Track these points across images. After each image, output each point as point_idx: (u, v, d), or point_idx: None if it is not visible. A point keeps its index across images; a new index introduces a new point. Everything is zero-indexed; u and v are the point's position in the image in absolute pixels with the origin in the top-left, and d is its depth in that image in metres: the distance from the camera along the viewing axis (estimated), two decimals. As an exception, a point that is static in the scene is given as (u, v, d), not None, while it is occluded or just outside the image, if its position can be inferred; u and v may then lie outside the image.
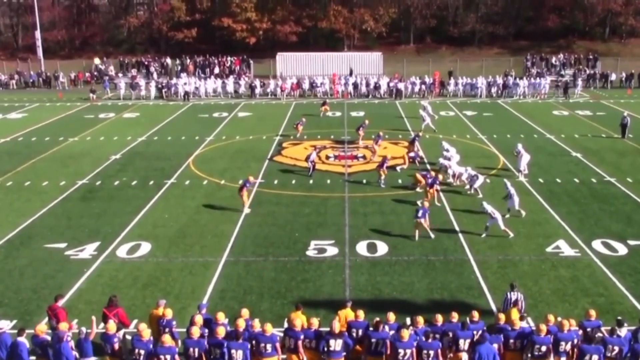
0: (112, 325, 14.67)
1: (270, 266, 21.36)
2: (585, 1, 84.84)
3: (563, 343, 14.36)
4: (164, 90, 60.26)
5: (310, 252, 22.44)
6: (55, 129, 44.84)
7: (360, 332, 14.83)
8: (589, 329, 14.98)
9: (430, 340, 14.11)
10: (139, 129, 44.31)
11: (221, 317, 14.91)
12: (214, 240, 23.63)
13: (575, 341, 14.43)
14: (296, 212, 26.69)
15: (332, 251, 22.49)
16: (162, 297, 17.62)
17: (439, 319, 14.94)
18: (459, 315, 15.33)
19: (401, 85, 59.00)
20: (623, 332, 14.66)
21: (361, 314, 15.15)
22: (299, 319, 14.83)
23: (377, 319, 14.64)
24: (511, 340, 14.50)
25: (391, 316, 15.00)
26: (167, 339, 14.01)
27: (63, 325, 14.58)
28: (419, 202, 24.37)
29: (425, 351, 14.04)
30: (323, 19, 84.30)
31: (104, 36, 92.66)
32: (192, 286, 19.93)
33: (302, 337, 14.52)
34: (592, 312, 15.36)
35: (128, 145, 39.14)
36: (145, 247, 23.01)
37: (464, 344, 14.48)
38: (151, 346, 14.09)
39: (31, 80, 69.68)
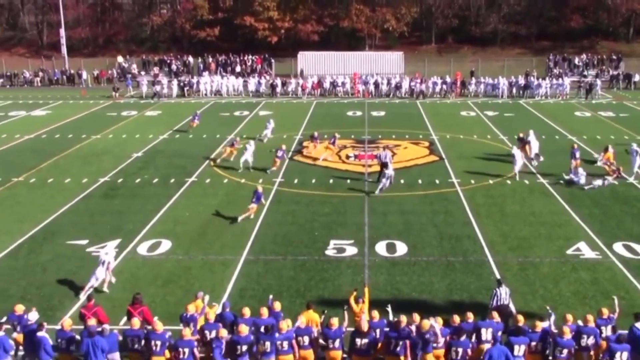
0: (136, 322, 14.90)
1: (289, 265, 21.44)
2: (609, 1, 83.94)
3: (585, 337, 14.33)
4: (185, 89, 60.64)
5: (330, 252, 22.49)
6: (78, 126, 45.26)
7: (379, 331, 14.91)
8: (602, 327, 15.11)
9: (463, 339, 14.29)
10: (160, 126, 44.62)
11: (247, 312, 15.25)
12: (234, 239, 23.74)
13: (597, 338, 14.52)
14: (316, 211, 26.74)
15: (351, 251, 22.53)
16: (184, 292, 17.77)
17: (456, 319, 14.96)
18: (475, 316, 15.37)
19: (422, 85, 58.90)
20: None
21: (376, 314, 15.29)
22: (304, 317, 15.15)
23: (397, 318, 14.70)
24: (533, 343, 14.47)
25: (416, 317, 15.00)
26: (187, 332, 14.27)
27: (92, 321, 14.85)
28: (259, 186, 26.55)
29: (454, 349, 14.20)
30: (345, 18, 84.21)
31: (127, 34, 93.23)
32: (211, 284, 20.05)
33: (314, 332, 14.76)
34: (605, 310, 15.45)
35: (150, 143, 39.42)
36: (166, 245, 23.19)
37: (486, 333, 14.51)
38: (167, 336, 14.43)
39: (55, 78, 70.39)
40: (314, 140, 36.73)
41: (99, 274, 19.49)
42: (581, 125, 44.78)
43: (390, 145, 37.72)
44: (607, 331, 15.03)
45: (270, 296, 16.82)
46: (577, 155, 31.45)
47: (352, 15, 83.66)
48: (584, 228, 24.64)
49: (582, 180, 29.68)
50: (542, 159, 33.71)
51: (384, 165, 30.22)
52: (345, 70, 66.46)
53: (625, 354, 13.95)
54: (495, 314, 15.24)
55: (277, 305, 15.88)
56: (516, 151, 32.15)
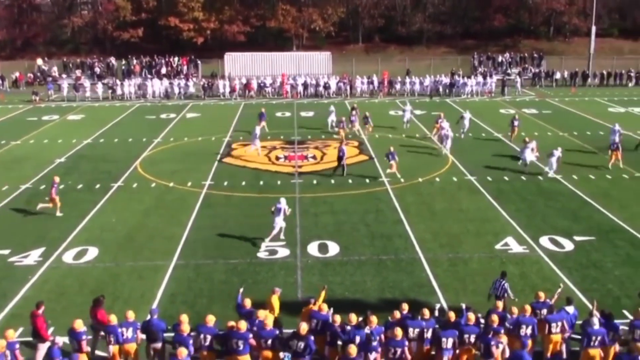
0: (79, 323, 14.60)
1: (220, 269, 21.14)
2: (530, 1, 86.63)
3: (524, 327, 14.74)
4: (109, 91, 59.28)
5: (261, 254, 22.27)
6: (-3, 132, 43.68)
7: (320, 323, 15.00)
8: (537, 311, 15.62)
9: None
10: (84, 131, 43.41)
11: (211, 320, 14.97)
12: (164, 244, 23.26)
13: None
14: (246, 213, 26.47)
15: (283, 252, 22.36)
16: (113, 300, 17.27)
17: (397, 314, 15.02)
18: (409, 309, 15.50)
19: (350, 85, 59.25)
20: (571, 309, 15.58)
21: (325, 307, 15.36)
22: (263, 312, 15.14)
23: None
24: (465, 336, 14.61)
25: (353, 317, 14.94)
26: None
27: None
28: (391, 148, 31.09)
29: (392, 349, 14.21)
30: (271, 18, 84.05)
31: (46, 36, 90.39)
32: (141, 290, 19.59)
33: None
34: (542, 294, 15.98)
35: (73, 148, 38.32)
36: (93, 252, 22.52)
37: (412, 332, 14.60)
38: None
39: (-29, 83, 67.78)
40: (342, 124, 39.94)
41: (279, 222, 22.74)
42: (506, 122, 45.55)
43: (319, 145, 37.69)
44: (542, 314, 15.55)
45: (241, 290, 16.69)
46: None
47: (279, 16, 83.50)
48: (511, 223, 25.12)
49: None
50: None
51: (340, 158, 31.67)
52: (273, 71, 66.23)
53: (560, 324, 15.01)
54: (451, 314, 15.22)
55: (248, 303, 15.79)
56: (445, 124, 36.27)
